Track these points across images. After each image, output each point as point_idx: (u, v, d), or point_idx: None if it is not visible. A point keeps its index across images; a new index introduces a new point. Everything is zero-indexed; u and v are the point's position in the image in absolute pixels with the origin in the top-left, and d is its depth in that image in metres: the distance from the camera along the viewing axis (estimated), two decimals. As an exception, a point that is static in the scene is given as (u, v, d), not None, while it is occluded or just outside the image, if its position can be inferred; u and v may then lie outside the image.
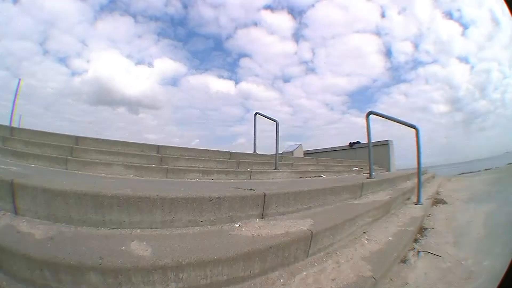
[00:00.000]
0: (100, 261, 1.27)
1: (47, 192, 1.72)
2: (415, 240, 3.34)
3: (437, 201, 6.00)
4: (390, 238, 2.84)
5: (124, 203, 1.70)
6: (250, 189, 2.46)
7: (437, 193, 7.24)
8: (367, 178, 5.19)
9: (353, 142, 13.95)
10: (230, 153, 6.61)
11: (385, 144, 12.49)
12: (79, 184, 2.18)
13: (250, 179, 5.21)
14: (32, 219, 1.72)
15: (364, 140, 5.83)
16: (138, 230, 1.68)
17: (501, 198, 6.11)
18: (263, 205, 2.32)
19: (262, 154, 7.85)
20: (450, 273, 2.56)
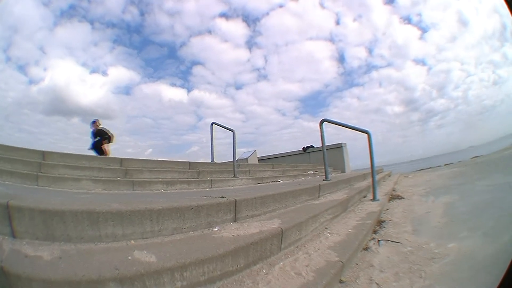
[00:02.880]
0: (117, 271, 1.41)
1: (45, 212, 1.79)
2: (375, 232, 3.66)
3: (394, 196, 6.43)
4: (350, 230, 3.14)
5: (117, 218, 1.85)
6: (221, 197, 2.68)
7: (394, 189, 7.68)
8: (323, 180, 5.52)
9: (307, 147, 14.50)
10: (190, 163, 6.81)
11: (339, 147, 13.12)
12: (64, 201, 2.30)
13: (211, 187, 5.44)
14: (32, 240, 1.76)
15: (317, 144, 6.14)
16: (132, 241, 1.84)
17: (462, 190, 6.53)
18: (235, 210, 2.57)
19: (220, 163, 8.25)
20: (412, 255, 2.83)
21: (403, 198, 6.34)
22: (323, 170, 5.95)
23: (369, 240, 3.27)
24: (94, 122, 10.31)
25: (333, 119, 5.98)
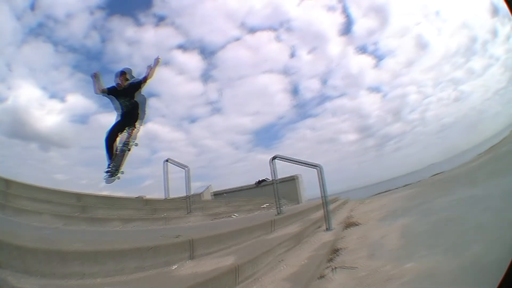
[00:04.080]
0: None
1: (20, 249, 1.89)
2: (330, 260, 3.74)
3: (350, 224, 6.56)
4: (305, 261, 3.32)
5: (83, 257, 1.98)
6: (178, 236, 2.89)
7: (349, 217, 7.87)
8: (276, 214, 5.77)
9: (260, 180, 14.62)
10: (146, 200, 7.17)
11: (293, 179, 13.36)
12: (33, 237, 2.42)
13: (167, 224, 5.53)
14: (13, 272, 1.81)
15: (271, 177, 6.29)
16: (99, 279, 1.96)
17: (420, 210, 6.68)
18: (191, 249, 2.73)
19: (174, 199, 8.28)
20: (367, 279, 2.97)
21: (358, 224, 6.44)
22: (277, 203, 6.15)
23: (324, 269, 3.34)
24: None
25: (284, 156, 6.25)
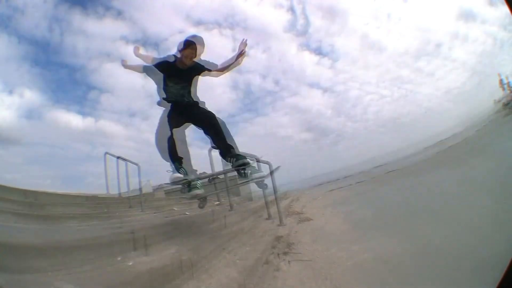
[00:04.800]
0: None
1: None
2: (285, 253, 3.80)
3: (302, 219, 6.78)
4: (258, 255, 3.42)
5: (35, 251, 1.98)
6: (131, 232, 2.82)
7: (302, 212, 8.15)
8: (229, 210, 5.94)
9: (213, 177, 14.35)
10: (93, 196, 7.06)
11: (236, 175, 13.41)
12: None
13: (119, 221, 5.32)
14: None
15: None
16: (49, 273, 1.91)
17: (366, 197, 7.62)
18: (144, 243, 2.70)
19: (125, 197, 8.03)
20: (315, 264, 3.21)
21: (301, 213, 7.08)
22: (229, 200, 6.35)
23: (280, 262, 3.42)
24: None
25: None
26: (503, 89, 18.73)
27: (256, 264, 3.08)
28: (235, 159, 3.92)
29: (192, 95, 4.30)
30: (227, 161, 4.07)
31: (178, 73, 4.18)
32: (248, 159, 3.96)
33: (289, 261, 3.42)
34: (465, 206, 4.09)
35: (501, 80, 19.15)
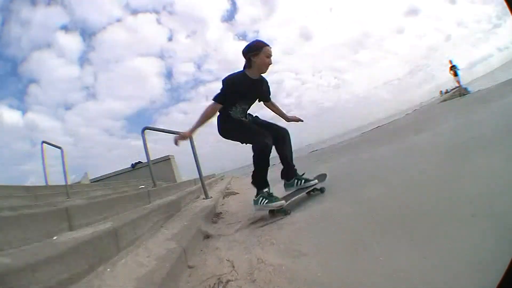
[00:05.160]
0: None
1: None
2: (214, 222, 3.94)
3: (228, 193, 7.00)
4: (185, 223, 3.40)
5: None
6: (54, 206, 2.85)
7: (227, 188, 8.37)
8: (153, 186, 5.90)
9: (135, 163, 14.60)
10: (26, 187, 6.56)
11: (167, 159, 13.30)
12: None
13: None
14: None
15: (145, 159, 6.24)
16: None
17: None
18: (68, 219, 2.64)
19: (54, 185, 7.78)
20: (258, 230, 3.18)
21: (237, 193, 6.96)
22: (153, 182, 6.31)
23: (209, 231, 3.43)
24: None
25: (155, 127, 6.27)
26: (454, 74, 20.12)
27: (185, 230, 3.08)
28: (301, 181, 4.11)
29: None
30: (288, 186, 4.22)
31: (253, 87, 3.93)
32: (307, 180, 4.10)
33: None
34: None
35: (451, 67, 20.74)
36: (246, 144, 3.83)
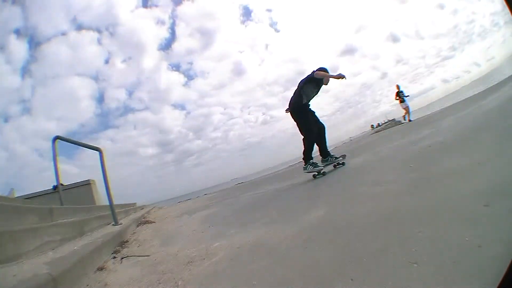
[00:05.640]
0: None
1: None
2: (116, 252, 3.34)
3: (143, 222, 6.37)
4: (76, 248, 2.78)
5: None
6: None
7: (144, 217, 7.65)
8: (61, 205, 5.34)
9: (56, 185, 13.09)
10: None
11: (87, 184, 12.21)
12: None
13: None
14: None
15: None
16: None
17: (222, 204, 7.27)
18: None
19: None
20: (161, 265, 2.70)
21: (153, 222, 6.38)
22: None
23: (107, 261, 2.93)
24: None
25: (67, 138, 5.92)
26: (401, 100, 18.77)
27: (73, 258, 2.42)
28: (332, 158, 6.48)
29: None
30: (324, 161, 6.47)
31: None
32: (336, 158, 6.48)
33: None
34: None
35: (398, 92, 19.02)
36: (301, 131, 6.31)
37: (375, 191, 3.36)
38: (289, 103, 6.48)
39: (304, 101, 6.36)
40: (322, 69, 6.52)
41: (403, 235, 1.87)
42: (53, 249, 2.71)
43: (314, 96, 6.56)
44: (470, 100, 10.26)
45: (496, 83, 12.33)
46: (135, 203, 12.84)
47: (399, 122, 21.57)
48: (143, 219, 6.86)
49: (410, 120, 17.68)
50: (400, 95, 18.77)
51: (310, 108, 6.55)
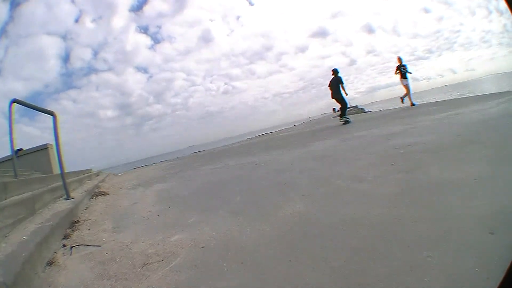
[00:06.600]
0: None
1: None
2: (66, 237, 3.02)
3: (97, 193, 5.99)
4: (25, 237, 2.41)
5: None
6: None
7: (98, 187, 7.18)
8: (14, 177, 5.05)
9: (17, 150, 12.36)
10: None
11: (44, 149, 11.51)
12: None
13: None
14: None
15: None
16: None
17: (180, 177, 7.14)
18: None
19: None
20: (114, 264, 2.33)
21: (107, 194, 6.04)
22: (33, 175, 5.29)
23: (56, 251, 2.58)
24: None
25: (23, 101, 5.53)
26: (402, 76, 15.31)
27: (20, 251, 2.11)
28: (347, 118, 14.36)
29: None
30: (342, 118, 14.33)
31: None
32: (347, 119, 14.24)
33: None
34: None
35: (399, 66, 15.42)
36: (339, 101, 14.01)
37: (359, 188, 3.18)
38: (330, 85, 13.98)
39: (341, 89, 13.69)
40: (335, 70, 13.85)
41: (411, 258, 1.66)
42: (5, 237, 2.42)
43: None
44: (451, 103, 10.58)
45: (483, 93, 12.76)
46: (90, 169, 12.26)
47: (362, 110, 21.49)
48: (97, 190, 6.49)
49: (413, 104, 15.22)
50: (401, 70, 15.34)
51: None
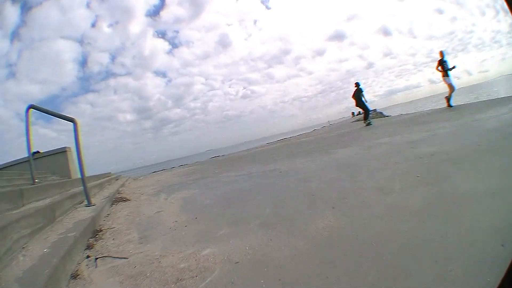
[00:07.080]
0: None
1: None
2: (89, 247, 2.89)
3: (118, 199, 5.86)
4: (46, 250, 2.28)
5: None
6: None
7: (119, 192, 7.11)
8: (31, 185, 4.81)
9: (33, 152, 12.42)
10: None
11: (63, 152, 11.51)
12: None
13: None
14: None
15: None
16: None
17: (202, 184, 6.94)
18: None
19: None
20: (145, 279, 2.20)
21: (129, 200, 5.92)
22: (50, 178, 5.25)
23: (80, 262, 2.48)
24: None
25: (41, 107, 5.49)
26: (444, 73, 12.96)
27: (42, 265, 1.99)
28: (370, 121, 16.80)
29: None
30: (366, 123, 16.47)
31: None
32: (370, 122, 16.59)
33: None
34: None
35: (440, 61, 13.55)
36: (362, 108, 16.88)
37: (387, 201, 3.11)
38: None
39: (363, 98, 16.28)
40: (357, 83, 16.32)
41: (440, 271, 1.68)
42: (23, 248, 2.28)
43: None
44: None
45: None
46: (110, 173, 12.26)
47: (381, 114, 21.79)
48: (117, 195, 6.43)
49: (450, 105, 13.62)
50: (444, 66, 13.37)
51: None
